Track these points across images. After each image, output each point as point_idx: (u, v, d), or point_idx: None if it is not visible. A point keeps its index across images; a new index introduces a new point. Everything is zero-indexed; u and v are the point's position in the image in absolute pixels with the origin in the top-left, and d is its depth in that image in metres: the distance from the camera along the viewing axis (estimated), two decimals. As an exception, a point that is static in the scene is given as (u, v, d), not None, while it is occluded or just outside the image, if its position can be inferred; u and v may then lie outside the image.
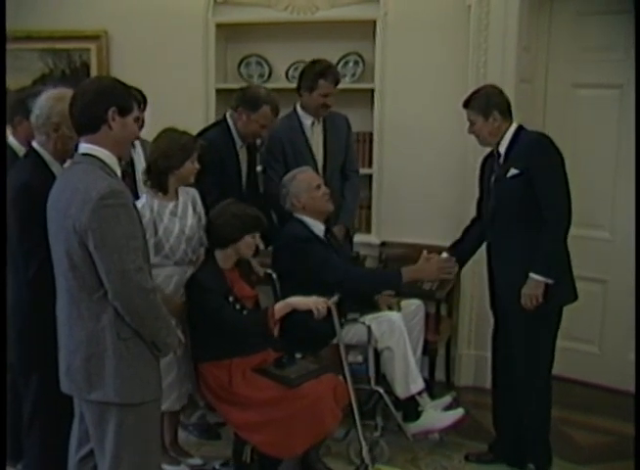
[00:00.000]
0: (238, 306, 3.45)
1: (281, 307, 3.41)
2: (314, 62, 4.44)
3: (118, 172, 2.61)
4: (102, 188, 2.44)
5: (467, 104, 3.67)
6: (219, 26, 5.22)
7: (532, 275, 3.45)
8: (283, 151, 4.38)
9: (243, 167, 4.28)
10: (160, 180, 3.54)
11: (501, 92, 3.67)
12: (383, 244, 5.08)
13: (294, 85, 5.14)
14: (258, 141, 4.50)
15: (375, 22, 4.94)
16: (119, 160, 2.63)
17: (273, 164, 4.41)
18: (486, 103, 3.59)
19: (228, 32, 5.31)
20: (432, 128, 4.91)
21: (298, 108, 4.48)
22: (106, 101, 2.53)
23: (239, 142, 4.22)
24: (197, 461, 3.92)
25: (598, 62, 4.73)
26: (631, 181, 4.66)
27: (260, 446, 3.38)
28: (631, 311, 4.69)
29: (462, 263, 3.97)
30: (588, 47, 4.75)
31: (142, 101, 3.94)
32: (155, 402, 2.70)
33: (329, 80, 4.32)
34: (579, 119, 4.74)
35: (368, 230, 5.11)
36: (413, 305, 4.08)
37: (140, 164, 3.98)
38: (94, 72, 5.32)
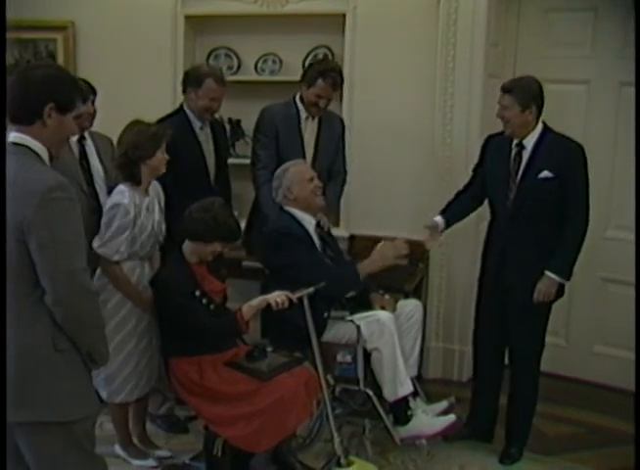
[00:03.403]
0: (205, 301, 3.43)
1: (246, 310, 3.41)
2: (324, 59, 4.43)
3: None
4: (47, 180, 2.21)
5: (508, 89, 3.63)
6: (188, 18, 5.19)
7: (550, 274, 3.62)
8: (276, 132, 4.34)
9: (208, 157, 4.23)
10: (132, 172, 3.49)
11: (542, 89, 3.68)
12: (351, 237, 5.09)
13: (263, 78, 5.19)
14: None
15: (344, 15, 4.94)
16: (51, 156, 2.37)
17: (264, 140, 4.35)
18: (528, 94, 3.60)
19: (197, 24, 5.28)
20: (400, 122, 4.92)
21: (298, 99, 4.42)
22: (44, 95, 2.29)
23: (197, 123, 4.17)
24: (165, 453, 3.89)
25: (565, 58, 4.77)
26: (598, 175, 4.70)
27: (232, 439, 3.34)
28: (597, 304, 4.79)
29: (448, 225, 4.03)
30: (556, 43, 4.80)
31: (91, 93, 3.90)
32: (91, 418, 2.49)
33: (327, 82, 4.25)
34: (547, 114, 4.72)
35: (337, 223, 5.10)
36: (410, 305, 4.00)
37: (94, 157, 3.96)
38: (60, 63, 5.24)
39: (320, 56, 5.10)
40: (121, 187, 3.49)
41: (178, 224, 3.53)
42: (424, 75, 4.81)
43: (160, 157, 3.53)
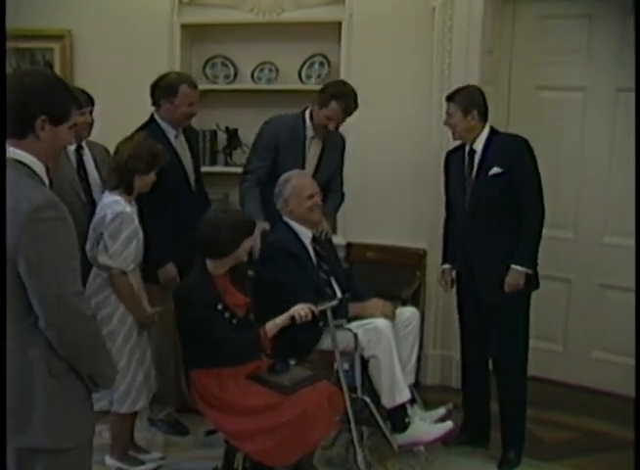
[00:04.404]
0: (227, 315, 3.38)
1: (271, 328, 3.38)
2: (342, 82, 4.30)
3: (46, 182, 2.23)
4: (35, 199, 2.06)
5: (450, 98, 3.86)
6: (184, 27, 5.19)
7: (515, 267, 3.71)
8: (276, 146, 4.22)
9: (186, 164, 4.18)
10: (127, 180, 3.50)
11: (483, 94, 3.87)
12: (348, 245, 5.09)
13: (260, 86, 5.18)
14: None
15: (340, 23, 4.96)
16: (47, 169, 2.23)
17: (261, 153, 4.26)
18: (469, 101, 3.80)
19: (193, 33, 5.29)
20: (396, 128, 4.93)
21: (307, 115, 4.29)
22: (35, 107, 2.13)
23: (172, 132, 4.12)
24: (156, 455, 3.92)
25: (560, 65, 4.79)
26: (595, 181, 4.74)
27: (253, 454, 3.28)
28: (594, 310, 4.80)
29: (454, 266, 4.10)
30: (551, 50, 4.81)
31: (89, 103, 3.90)
32: (88, 444, 2.36)
33: (340, 106, 4.12)
34: (542, 121, 4.80)
35: (334, 231, 5.09)
36: (407, 312, 3.97)
37: (91, 167, 3.96)
38: (58, 72, 5.24)
39: (316, 64, 5.12)
40: (115, 197, 3.49)
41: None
42: (420, 82, 4.83)
43: (152, 176, 3.57)
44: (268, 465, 3.34)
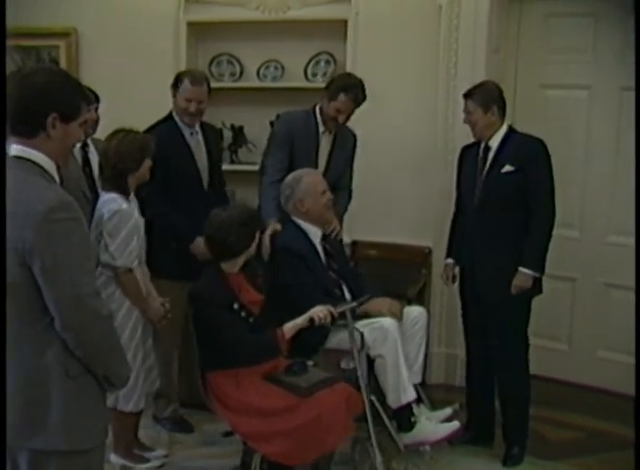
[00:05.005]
0: (243, 314, 3.35)
1: (289, 329, 3.35)
2: (349, 74, 4.31)
3: (57, 179, 2.20)
4: (49, 200, 2.04)
5: (468, 95, 3.84)
6: (190, 25, 5.19)
7: (524, 269, 3.71)
8: (292, 141, 4.19)
9: (200, 163, 4.14)
10: (120, 183, 3.47)
11: (500, 90, 3.87)
12: (354, 243, 5.09)
13: (265, 84, 5.18)
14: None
15: (346, 21, 4.96)
16: (58, 167, 2.21)
17: (282, 147, 4.20)
18: (488, 97, 3.79)
19: (199, 31, 5.29)
20: (402, 127, 4.94)
21: (317, 110, 4.29)
22: (46, 105, 2.11)
23: (187, 129, 4.11)
24: (161, 452, 3.92)
25: (566, 63, 4.79)
26: (600, 180, 4.74)
27: (270, 455, 3.27)
28: (599, 309, 4.79)
29: (458, 262, 4.12)
30: (556, 49, 4.81)
31: (95, 101, 3.91)
32: (102, 446, 2.34)
33: (349, 97, 4.12)
34: (548, 120, 4.79)
35: (339, 229, 5.10)
36: (415, 311, 3.94)
37: (96, 164, 3.93)
38: (63, 70, 5.26)
39: (322, 62, 5.12)
40: (112, 195, 3.46)
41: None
42: (426, 81, 4.83)
43: (147, 164, 3.53)
44: (286, 465, 3.31)
